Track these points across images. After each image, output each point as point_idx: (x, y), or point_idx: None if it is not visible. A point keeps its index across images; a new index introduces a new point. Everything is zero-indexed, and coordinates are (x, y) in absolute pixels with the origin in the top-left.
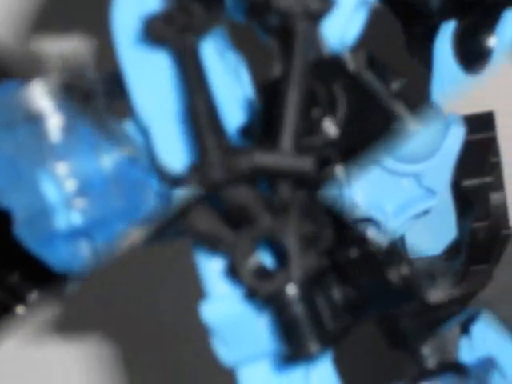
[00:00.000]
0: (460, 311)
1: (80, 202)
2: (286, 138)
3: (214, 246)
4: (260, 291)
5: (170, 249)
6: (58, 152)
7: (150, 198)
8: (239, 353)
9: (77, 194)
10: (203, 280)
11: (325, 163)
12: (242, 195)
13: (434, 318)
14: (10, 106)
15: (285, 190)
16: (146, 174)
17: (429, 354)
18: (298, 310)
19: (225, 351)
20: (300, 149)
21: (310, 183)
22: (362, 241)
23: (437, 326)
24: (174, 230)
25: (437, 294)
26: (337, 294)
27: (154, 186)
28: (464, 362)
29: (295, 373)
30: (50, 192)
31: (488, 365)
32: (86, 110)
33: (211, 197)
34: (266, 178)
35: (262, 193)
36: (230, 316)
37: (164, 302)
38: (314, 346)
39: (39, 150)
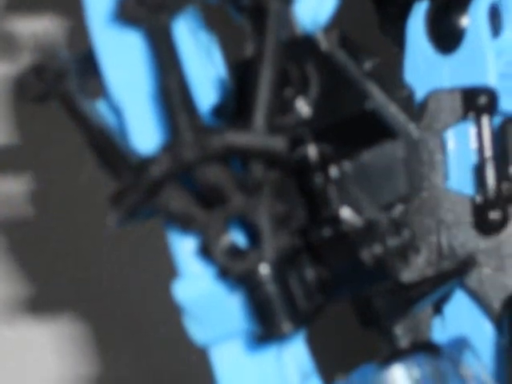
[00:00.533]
0: (433, 291)
1: None
2: (259, 118)
3: (186, 225)
4: (232, 271)
5: (143, 228)
6: None
7: None
8: (212, 332)
9: None
10: (176, 259)
11: (297, 143)
12: (215, 175)
13: (407, 298)
14: None
15: (257, 170)
16: None
17: (401, 333)
18: (271, 289)
19: (197, 330)
20: (272, 128)
21: (283, 163)
22: (335, 221)
23: (410, 306)
24: (146, 210)
25: (410, 274)
26: (309, 273)
27: None
28: (437, 341)
29: (268, 352)
30: None
31: (461, 345)
32: None
33: (184, 176)
34: (239, 158)
35: (234, 172)
36: (203, 295)
37: (137, 281)
38: (286, 326)
39: None
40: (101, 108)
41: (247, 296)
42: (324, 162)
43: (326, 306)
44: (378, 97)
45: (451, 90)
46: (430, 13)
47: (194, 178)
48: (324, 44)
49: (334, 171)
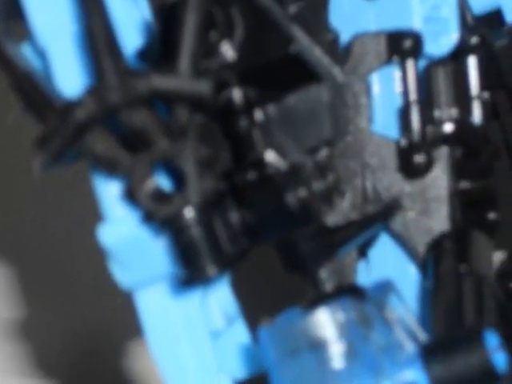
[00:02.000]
0: (357, 235)
1: None
2: (184, 61)
3: (111, 169)
4: (157, 214)
5: (68, 172)
6: (341, 378)
7: None
8: (137, 276)
9: None
10: (101, 203)
11: (222, 86)
12: (140, 118)
13: (332, 242)
14: (294, 334)
15: (182, 114)
16: None
17: (326, 277)
18: (196, 233)
19: (123, 274)
20: (197, 72)
21: (208, 106)
22: (260, 164)
23: (334, 250)
24: (71, 153)
25: (334, 218)
26: (234, 217)
27: None
28: (361, 285)
29: (192, 296)
30: None
31: (385, 288)
32: (368, 336)
33: (109, 120)
34: (164, 102)
35: (159, 116)
36: (128, 239)
37: (62, 224)
38: (211, 269)
39: (322, 376)
40: (26, 51)
41: (172, 240)
42: (249, 106)
43: (250, 250)
44: (302, 40)
45: (376, 34)
46: None
47: (119, 122)
48: None
49: (258, 114)
